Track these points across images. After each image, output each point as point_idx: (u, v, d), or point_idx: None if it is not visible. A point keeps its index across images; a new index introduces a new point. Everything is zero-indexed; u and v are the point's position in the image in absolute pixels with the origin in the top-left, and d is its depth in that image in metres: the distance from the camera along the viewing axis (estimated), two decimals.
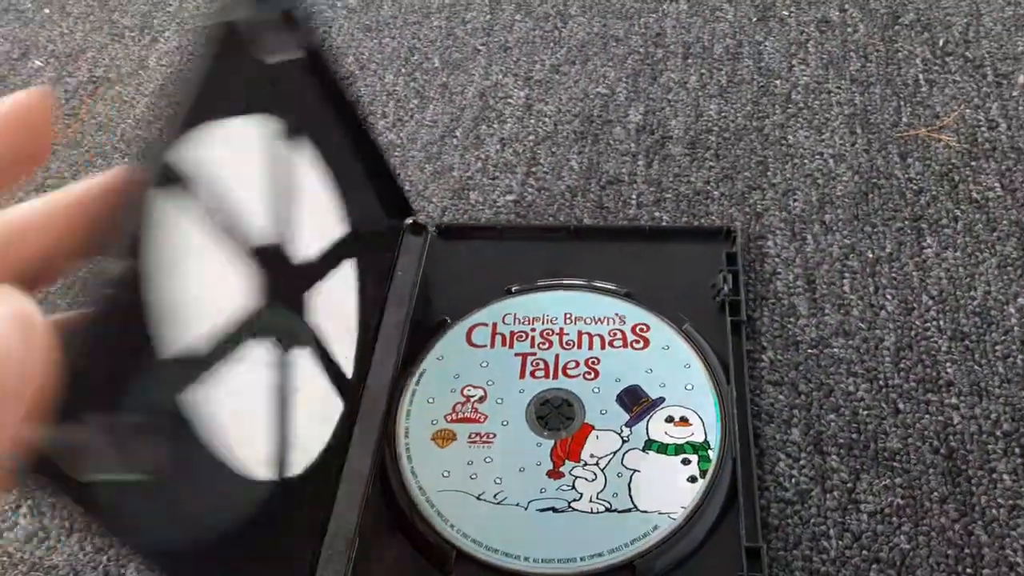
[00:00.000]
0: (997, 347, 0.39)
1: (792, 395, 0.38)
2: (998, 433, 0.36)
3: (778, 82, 0.52)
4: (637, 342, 0.42)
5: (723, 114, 0.51)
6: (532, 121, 0.53)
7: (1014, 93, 0.50)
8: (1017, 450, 0.35)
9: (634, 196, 0.48)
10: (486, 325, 0.44)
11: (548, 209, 0.48)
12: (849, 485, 0.35)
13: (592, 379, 0.41)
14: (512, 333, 0.44)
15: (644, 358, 0.41)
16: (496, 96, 0.55)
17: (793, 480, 0.36)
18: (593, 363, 0.41)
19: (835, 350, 0.40)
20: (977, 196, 0.45)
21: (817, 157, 0.48)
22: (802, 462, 0.36)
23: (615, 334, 0.43)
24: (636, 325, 0.43)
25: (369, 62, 0.59)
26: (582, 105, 0.53)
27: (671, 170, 0.49)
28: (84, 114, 0.58)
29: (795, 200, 0.46)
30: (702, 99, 0.52)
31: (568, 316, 0.44)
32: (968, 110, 0.49)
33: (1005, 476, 0.35)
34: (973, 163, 0.46)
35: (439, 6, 0.62)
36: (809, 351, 0.40)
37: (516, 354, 0.43)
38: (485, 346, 0.44)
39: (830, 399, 0.38)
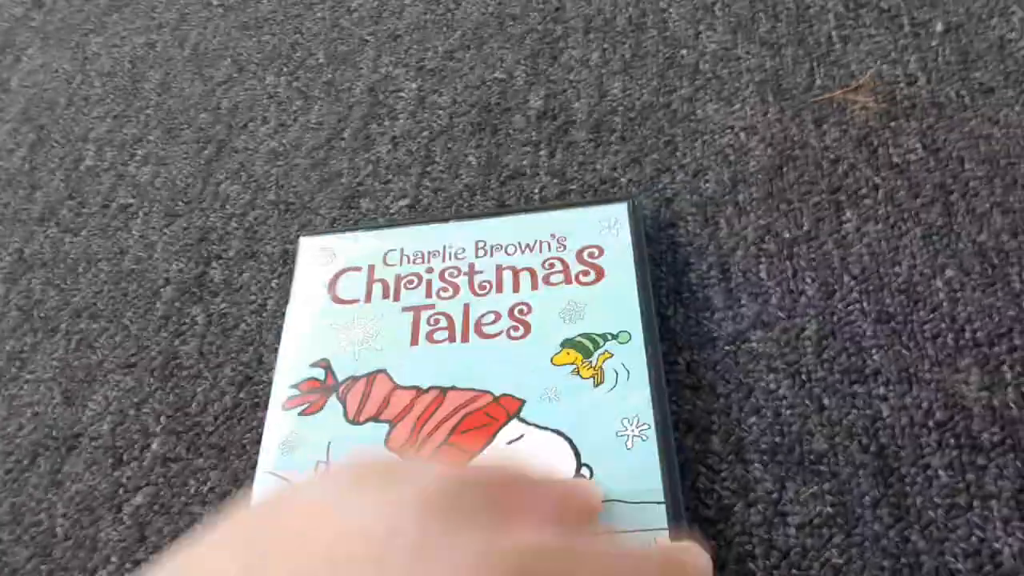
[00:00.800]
0: (925, 327, 0.36)
1: (710, 399, 0.35)
2: (930, 424, 0.33)
3: (685, 52, 0.49)
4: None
5: (628, 92, 0.47)
6: (426, 115, 0.49)
7: (933, 43, 0.46)
8: (951, 441, 0.33)
9: (537, 190, 0.44)
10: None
11: (445, 212, 0.44)
12: (774, 496, 0.32)
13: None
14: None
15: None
16: (386, 90, 0.51)
17: (714, 495, 0.33)
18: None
19: (753, 344, 0.36)
20: (898, 160, 0.41)
21: (728, 131, 0.44)
22: (723, 474, 0.33)
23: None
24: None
25: (248, 63, 0.54)
26: (479, 93, 0.49)
27: (575, 158, 0.45)
28: None
29: (706, 181, 0.42)
30: (605, 77, 0.49)
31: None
32: (885, 66, 0.46)
33: (940, 472, 0.32)
34: (892, 124, 0.43)
35: None
36: (726, 348, 0.36)
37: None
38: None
39: (750, 400, 0.35)
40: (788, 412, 0.34)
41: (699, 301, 0.38)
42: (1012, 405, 0.33)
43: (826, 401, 0.34)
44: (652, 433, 0.32)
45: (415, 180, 0.46)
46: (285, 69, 0.53)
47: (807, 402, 0.34)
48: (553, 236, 0.37)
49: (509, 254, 0.36)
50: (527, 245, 0.37)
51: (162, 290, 0.43)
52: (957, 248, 0.38)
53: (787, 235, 0.39)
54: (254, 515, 0.23)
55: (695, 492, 0.33)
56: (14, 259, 0.47)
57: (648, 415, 0.33)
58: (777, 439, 0.34)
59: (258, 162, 0.48)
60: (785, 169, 0.42)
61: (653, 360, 0.34)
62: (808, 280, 0.38)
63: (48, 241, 0.47)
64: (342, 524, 0.20)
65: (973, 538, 0.30)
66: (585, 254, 0.37)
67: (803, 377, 0.35)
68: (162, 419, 0.39)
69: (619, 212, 0.39)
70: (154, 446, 0.38)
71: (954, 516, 0.31)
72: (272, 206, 0.46)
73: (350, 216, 0.45)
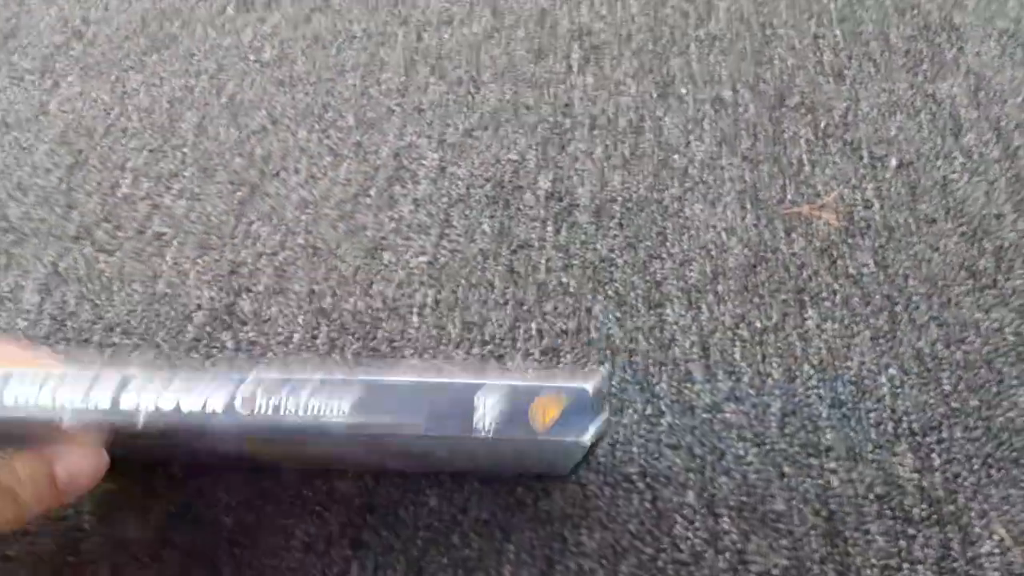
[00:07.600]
0: (871, 415, 0.42)
1: (688, 458, 0.41)
2: (871, 496, 0.39)
3: (676, 156, 0.56)
4: None
5: (626, 185, 0.54)
6: (446, 183, 0.55)
7: (887, 175, 0.55)
8: (888, 512, 0.39)
9: (543, 261, 0.50)
10: None
11: (462, 271, 0.49)
12: (739, 546, 0.38)
13: None
14: None
15: None
16: (410, 157, 0.56)
17: (688, 542, 0.38)
18: None
19: (727, 415, 0.42)
20: (853, 272, 0.49)
21: (711, 230, 0.51)
22: (696, 524, 0.38)
23: None
24: None
25: (282, 117, 0.59)
26: (494, 170, 0.55)
27: (578, 237, 0.51)
28: None
29: (691, 270, 0.49)
30: (607, 169, 0.55)
31: None
32: (846, 190, 0.53)
33: (879, 537, 0.38)
34: (850, 240, 0.50)
35: (353, 65, 0.63)
36: (704, 416, 0.42)
37: None
38: None
39: (722, 462, 0.40)
40: (754, 476, 0.40)
41: (681, 373, 0.44)
42: (938, 487, 0.40)
43: (786, 469, 0.40)
44: None
45: (435, 240, 0.51)
46: (316, 126, 0.58)
47: (770, 468, 0.40)
48: None
49: None
50: None
51: (194, 315, 0.47)
52: (899, 351, 0.45)
53: (758, 324, 0.46)
54: None
55: (671, 538, 0.38)
56: (48, 271, 0.50)
57: None
58: (743, 498, 0.39)
59: (288, 208, 0.53)
60: (758, 268, 0.49)
61: None
62: (774, 365, 0.44)
63: (83, 259, 0.50)
64: None
65: None
66: None
67: (767, 447, 0.41)
68: None
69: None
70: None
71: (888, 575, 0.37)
72: (301, 249, 0.51)
73: (373, 267, 0.50)
